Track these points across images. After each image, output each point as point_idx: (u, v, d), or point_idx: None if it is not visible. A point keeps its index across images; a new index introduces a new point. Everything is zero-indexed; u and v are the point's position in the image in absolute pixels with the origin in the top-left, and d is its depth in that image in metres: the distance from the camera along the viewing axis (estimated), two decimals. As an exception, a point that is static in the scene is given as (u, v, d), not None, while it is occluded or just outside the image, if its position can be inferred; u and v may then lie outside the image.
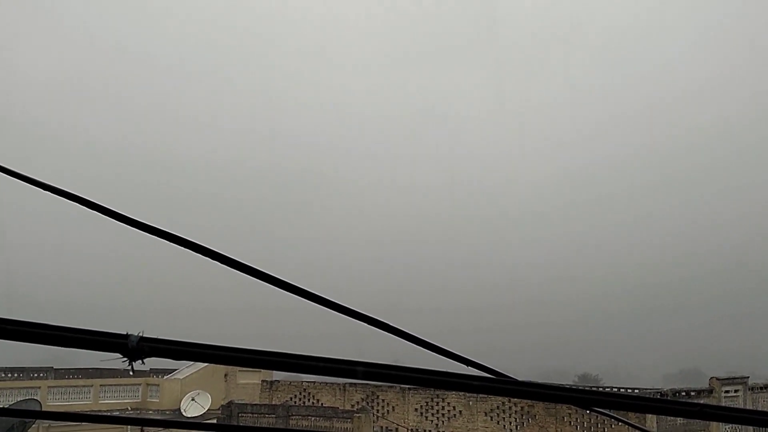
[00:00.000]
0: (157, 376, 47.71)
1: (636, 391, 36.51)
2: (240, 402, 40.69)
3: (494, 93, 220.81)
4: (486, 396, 34.52)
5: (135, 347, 1.95)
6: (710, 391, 32.81)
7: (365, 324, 2.16)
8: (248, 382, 46.36)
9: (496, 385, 1.75)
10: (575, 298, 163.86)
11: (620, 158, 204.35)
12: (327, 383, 41.12)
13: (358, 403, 38.85)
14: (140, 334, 1.98)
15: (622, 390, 35.02)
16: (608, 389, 37.08)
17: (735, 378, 34.85)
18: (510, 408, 33.75)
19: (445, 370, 1.97)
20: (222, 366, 46.65)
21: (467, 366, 2.09)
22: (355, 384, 39.44)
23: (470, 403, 35.12)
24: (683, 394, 32.49)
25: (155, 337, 2.01)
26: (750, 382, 34.87)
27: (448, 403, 36.05)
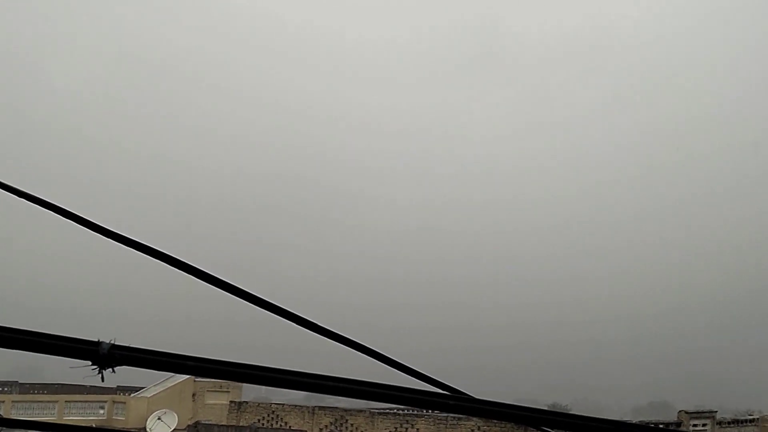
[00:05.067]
0: (124, 394, 47.10)
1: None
2: (207, 422, 40.22)
3: (505, 112, 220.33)
4: (457, 422, 34.39)
5: (106, 355, 1.97)
6: (678, 424, 32.95)
7: (336, 342, 2.18)
8: (216, 403, 45.91)
9: (451, 401, 1.79)
10: (552, 335, 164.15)
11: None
12: (296, 406, 40.79)
13: (326, 426, 38.56)
14: (112, 342, 1.99)
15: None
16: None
17: (703, 412, 35.04)
18: (480, 435, 33.64)
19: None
20: (190, 385, 46.14)
21: (438, 387, 2.12)
22: (324, 407, 39.18)
23: (440, 428, 34.99)
24: (651, 426, 32.56)
25: (128, 345, 2.03)
26: (718, 416, 35.07)
27: (418, 429, 35.89)
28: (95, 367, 1.99)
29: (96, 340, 1.98)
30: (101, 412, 45.01)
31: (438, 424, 34.94)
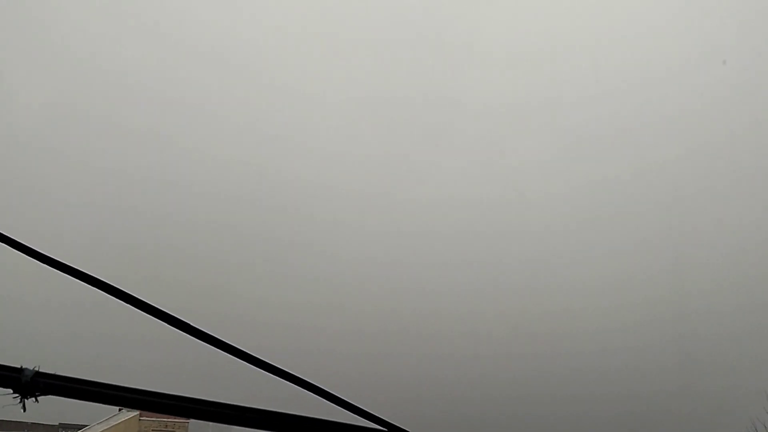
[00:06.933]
0: (66, 432, 45.69)
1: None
2: (151, 463, 39.16)
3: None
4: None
5: (29, 382, 1.87)
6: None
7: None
8: (164, 444, 44.68)
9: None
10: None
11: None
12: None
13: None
14: (36, 369, 1.89)
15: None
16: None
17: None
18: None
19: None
20: (134, 424, 44.89)
21: (375, 423, 2.06)
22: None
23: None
24: None
25: (52, 372, 1.93)
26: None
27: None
28: (17, 395, 1.89)
29: (18, 366, 1.88)
30: (41, 450, 43.62)
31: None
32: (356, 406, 2.03)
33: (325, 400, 2.19)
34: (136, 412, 45.17)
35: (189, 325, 2.10)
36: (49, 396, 1.96)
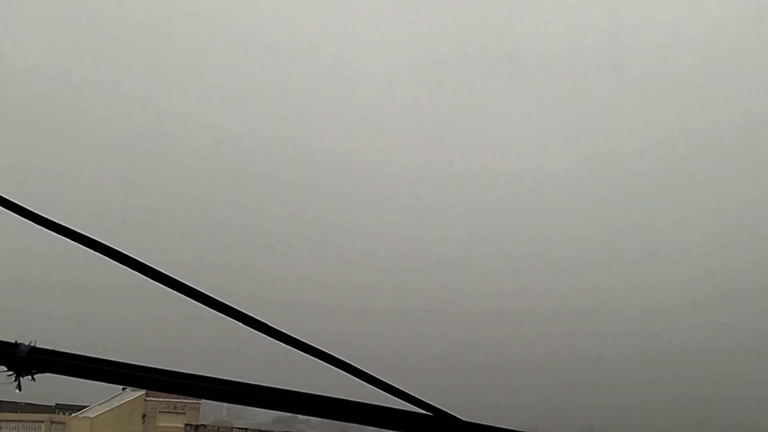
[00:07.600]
0: (64, 413, 44.88)
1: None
2: (156, 445, 39.05)
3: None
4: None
5: (24, 358, 1.65)
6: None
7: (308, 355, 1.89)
8: (170, 426, 43.94)
9: (435, 422, 1.51)
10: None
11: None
12: (261, 430, 39.71)
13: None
14: (32, 344, 1.67)
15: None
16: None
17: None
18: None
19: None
20: (140, 405, 44.61)
21: (419, 407, 1.85)
22: None
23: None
24: None
25: (51, 348, 1.71)
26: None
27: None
28: (11, 373, 1.67)
29: (13, 341, 1.66)
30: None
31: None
32: (396, 388, 1.81)
33: (360, 381, 1.98)
34: (141, 392, 44.59)
35: (215, 299, 1.87)
36: (47, 374, 1.74)
